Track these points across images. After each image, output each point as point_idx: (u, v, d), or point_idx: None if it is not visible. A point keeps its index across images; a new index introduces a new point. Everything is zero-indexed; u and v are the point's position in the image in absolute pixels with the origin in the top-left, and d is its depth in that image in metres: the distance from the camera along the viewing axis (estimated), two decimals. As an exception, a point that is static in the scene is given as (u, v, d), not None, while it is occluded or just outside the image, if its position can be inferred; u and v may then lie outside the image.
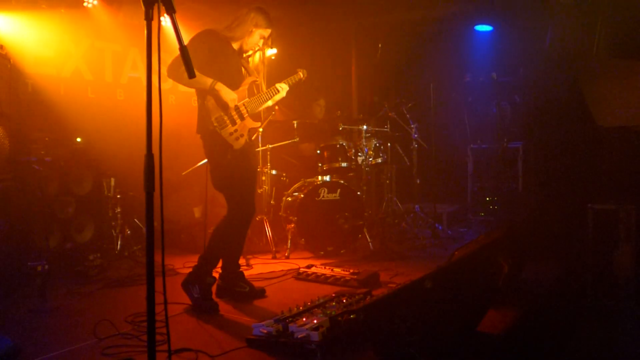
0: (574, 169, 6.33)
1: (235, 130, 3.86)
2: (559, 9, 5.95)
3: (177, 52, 2.34)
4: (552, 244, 5.10)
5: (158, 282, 2.10)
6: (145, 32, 1.92)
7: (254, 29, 3.97)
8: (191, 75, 2.17)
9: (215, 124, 3.78)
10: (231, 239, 3.97)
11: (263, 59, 4.21)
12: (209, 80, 3.74)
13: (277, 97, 4.17)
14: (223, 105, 3.80)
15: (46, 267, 4.01)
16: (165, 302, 2.22)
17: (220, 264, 4.07)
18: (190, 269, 3.92)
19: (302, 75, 4.38)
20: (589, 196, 5.02)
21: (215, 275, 4.03)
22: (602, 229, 4.53)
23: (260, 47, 4.15)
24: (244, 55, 4.14)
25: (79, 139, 5.56)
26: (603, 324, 4.04)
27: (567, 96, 6.57)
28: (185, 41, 3.77)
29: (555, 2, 5.85)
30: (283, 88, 4.17)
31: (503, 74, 7.41)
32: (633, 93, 5.90)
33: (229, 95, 3.80)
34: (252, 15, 3.96)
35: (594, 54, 5.85)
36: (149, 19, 1.92)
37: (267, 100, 4.11)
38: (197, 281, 3.82)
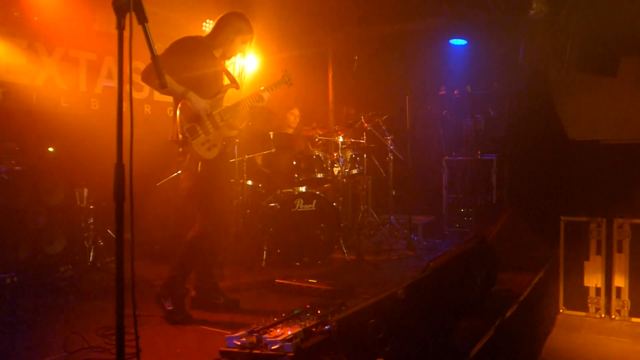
0: (547, 181, 6.43)
1: (208, 141, 3.82)
2: (531, 24, 6.07)
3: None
4: (524, 255, 5.16)
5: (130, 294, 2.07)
6: (117, 41, 1.91)
7: (235, 36, 3.97)
8: (162, 85, 2.16)
9: (187, 135, 3.74)
10: (203, 249, 3.94)
11: (241, 68, 4.21)
12: (180, 89, 3.71)
13: (259, 105, 4.15)
14: (195, 115, 3.77)
15: (15, 279, 3.94)
16: (135, 315, 2.19)
17: (194, 275, 4.03)
18: (163, 281, 3.87)
19: (287, 79, 4.36)
20: (561, 208, 5.10)
21: (189, 286, 4.00)
22: (574, 241, 4.59)
23: (242, 54, 4.16)
24: (227, 62, 4.13)
25: (51, 149, 5.47)
26: (574, 335, 4.09)
27: (539, 110, 6.69)
28: (162, 49, 3.79)
29: (527, 18, 5.97)
30: (265, 95, 4.16)
31: (477, 87, 7.52)
32: (602, 108, 6.03)
33: (199, 104, 3.76)
34: (233, 22, 3.96)
35: (565, 68, 5.98)
36: (120, 28, 1.91)
37: (246, 107, 4.09)
38: (169, 293, 3.77)
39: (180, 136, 3.74)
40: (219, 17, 4.01)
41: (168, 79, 3.60)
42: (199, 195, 3.88)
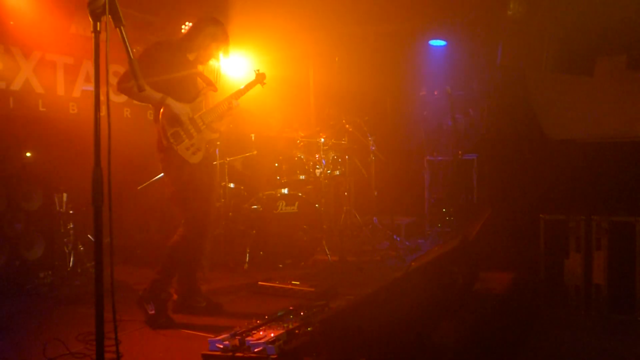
0: (526, 180, 6.51)
1: (192, 145, 3.82)
2: (509, 25, 6.14)
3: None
4: (505, 254, 5.21)
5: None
6: (93, 44, 1.89)
7: (210, 42, 3.94)
8: (140, 88, 2.15)
9: (171, 140, 3.72)
10: (186, 254, 3.92)
11: (217, 70, 4.20)
12: (158, 95, 3.67)
13: (236, 107, 4.14)
14: (176, 120, 3.75)
15: (-7, 285, 3.89)
16: (115, 319, 2.18)
17: (176, 279, 4.01)
18: (146, 285, 3.84)
19: (260, 79, 4.37)
20: (541, 207, 5.15)
21: (171, 290, 3.97)
22: (553, 239, 4.65)
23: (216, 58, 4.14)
24: (200, 65, 4.11)
25: (28, 154, 5.40)
26: (554, 332, 4.13)
27: (518, 109, 6.76)
28: (140, 53, 3.76)
29: (505, 18, 6.03)
30: (236, 104, 4.16)
31: (457, 87, 7.57)
32: (579, 107, 6.12)
33: (179, 109, 3.75)
34: (209, 28, 3.93)
35: (543, 69, 6.05)
36: (96, 31, 1.89)
37: (225, 110, 4.07)
38: (151, 297, 3.75)
39: (164, 142, 3.72)
40: (196, 20, 3.98)
41: (145, 86, 3.57)
42: (184, 200, 3.86)
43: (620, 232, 4.35)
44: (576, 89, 6.21)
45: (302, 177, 6.03)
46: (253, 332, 3.09)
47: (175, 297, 4.03)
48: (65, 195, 5.39)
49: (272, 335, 2.96)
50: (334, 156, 6.37)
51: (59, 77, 6.15)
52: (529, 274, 4.83)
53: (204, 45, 3.93)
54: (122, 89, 3.63)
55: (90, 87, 6.34)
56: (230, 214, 6.15)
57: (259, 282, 4.77)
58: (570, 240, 4.57)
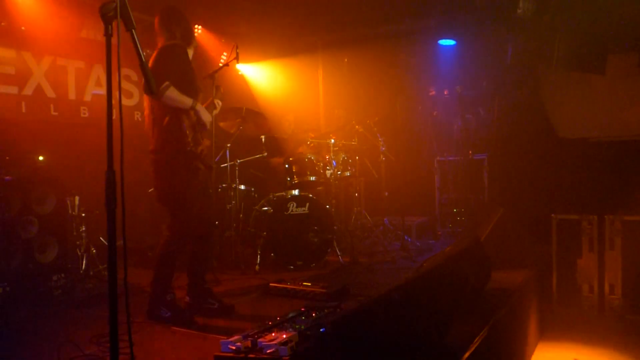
0: (538, 179, 6.47)
1: (203, 150, 3.88)
2: (519, 24, 6.11)
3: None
4: (517, 254, 5.18)
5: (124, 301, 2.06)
6: (105, 48, 1.90)
7: (190, 23, 4.02)
8: (151, 91, 2.16)
9: (191, 144, 3.76)
10: (172, 255, 3.88)
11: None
12: (189, 100, 3.72)
13: (214, 112, 4.21)
14: (201, 125, 3.79)
15: (7, 288, 3.92)
16: (129, 321, 2.18)
17: (186, 282, 4.03)
18: (149, 296, 3.86)
19: (220, 95, 4.39)
20: (553, 206, 5.12)
21: (180, 292, 3.99)
22: (566, 239, 4.62)
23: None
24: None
25: (41, 158, 5.44)
26: (568, 332, 4.11)
27: (529, 109, 6.73)
28: (151, 56, 3.77)
29: (515, 17, 6.00)
30: (219, 104, 4.21)
31: (467, 87, 7.55)
32: (590, 105, 6.08)
33: (206, 115, 3.82)
34: (181, 14, 3.96)
35: (553, 67, 6.02)
36: (108, 35, 1.90)
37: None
38: (159, 304, 3.76)
39: (187, 146, 3.74)
40: (170, 16, 3.92)
41: (174, 89, 3.59)
42: (185, 202, 3.86)
43: (633, 232, 4.32)
44: (587, 87, 6.16)
45: (312, 178, 6.03)
46: (265, 333, 3.09)
47: (187, 298, 4.05)
48: (77, 198, 5.43)
49: (284, 336, 2.96)
50: (344, 157, 6.37)
51: (70, 82, 6.21)
52: (542, 274, 4.80)
53: (191, 29, 4.05)
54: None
55: (101, 91, 6.41)
56: (240, 215, 6.16)
57: (271, 284, 4.77)
58: (583, 240, 4.54)
